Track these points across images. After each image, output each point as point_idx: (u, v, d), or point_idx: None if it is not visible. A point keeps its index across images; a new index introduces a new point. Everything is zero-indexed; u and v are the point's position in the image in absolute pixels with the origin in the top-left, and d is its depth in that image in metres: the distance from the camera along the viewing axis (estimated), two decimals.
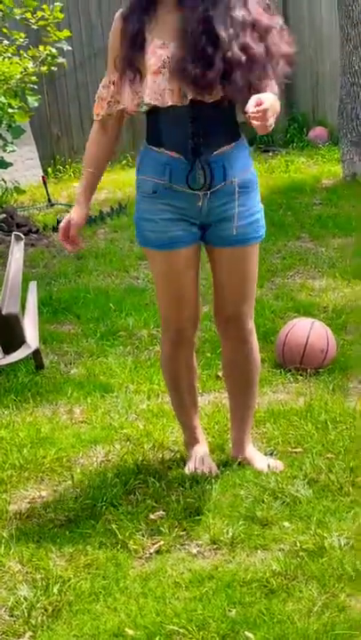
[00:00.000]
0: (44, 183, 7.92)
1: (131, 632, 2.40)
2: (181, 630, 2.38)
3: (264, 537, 2.84)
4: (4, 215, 6.93)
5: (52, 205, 7.84)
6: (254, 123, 2.66)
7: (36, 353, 4.49)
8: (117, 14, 3.01)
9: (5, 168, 7.17)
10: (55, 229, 7.14)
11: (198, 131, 2.94)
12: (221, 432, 3.59)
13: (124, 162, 9.73)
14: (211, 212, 3.02)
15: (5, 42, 7.17)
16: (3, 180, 7.42)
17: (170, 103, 2.89)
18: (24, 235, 6.75)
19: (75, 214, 3.14)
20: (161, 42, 2.89)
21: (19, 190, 7.47)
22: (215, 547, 2.83)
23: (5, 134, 7.20)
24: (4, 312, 4.48)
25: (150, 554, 2.81)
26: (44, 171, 9.13)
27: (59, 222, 7.03)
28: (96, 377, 4.37)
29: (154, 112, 2.96)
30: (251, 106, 2.65)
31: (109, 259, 6.54)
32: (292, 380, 4.24)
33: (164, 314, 3.25)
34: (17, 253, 4.75)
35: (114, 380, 4.33)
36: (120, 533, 2.89)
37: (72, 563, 2.77)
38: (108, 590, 2.62)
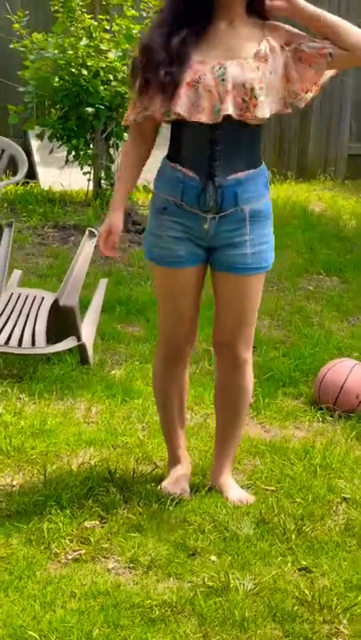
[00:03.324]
0: None
1: None
2: (39, 638, 2.41)
3: (183, 566, 2.82)
4: None
5: None
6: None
7: (82, 348, 4.58)
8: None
9: None
10: None
11: (216, 152, 2.94)
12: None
13: None
14: (217, 237, 3.02)
15: None
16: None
17: (201, 119, 2.90)
18: (137, 233, 6.93)
19: (114, 220, 3.12)
20: (202, 58, 2.90)
21: (147, 189, 7.61)
22: (131, 566, 2.83)
23: None
24: (61, 303, 4.61)
25: (68, 560, 2.85)
26: None
27: None
28: (131, 382, 4.42)
29: (178, 125, 2.97)
30: None
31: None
32: (320, 418, 4.16)
33: (162, 329, 3.27)
34: (87, 248, 4.88)
35: (146, 387, 4.37)
36: (48, 534, 2.93)
37: None
38: (5, 585, 2.67)
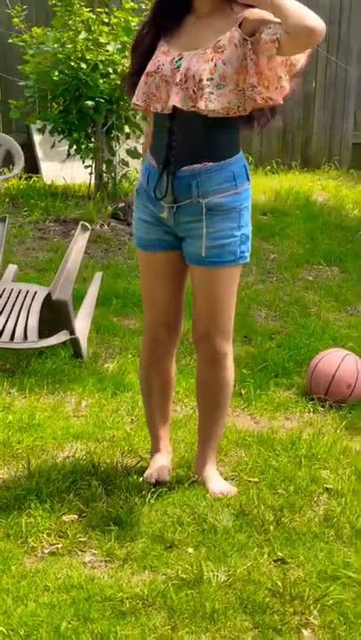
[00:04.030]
0: None
1: None
2: (7, 632, 2.42)
3: (159, 559, 2.82)
4: (123, 204, 7.08)
5: None
6: None
7: (75, 341, 4.59)
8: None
9: (137, 158, 7.33)
10: None
11: (172, 142, 2.96)
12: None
13: (268, 167, 9.65)
14: (178, 227, 3.05)
15: None
16: (135, 169, 7.58)
17: (157, 109, 2.94)
18: None
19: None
20: (167, 49, 2.93)
21: None
22: (107, 559, 2.84)
23: (143, 126, 7.36)
24: (54, 297, 4.62)
25: (44, 553, 2.86)
26: None
27: None
28: (123, 375, 4.43)
29: (151, 115, 3.07)
30: None
31: None
32: (311, 409, 4.15)
33: (145, 315, 3.35)
34: (80, 242, 4.89)
35: (137, 380, 4.36)
36: (26, 528, 2.94)
37: None
38: None
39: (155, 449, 3.41)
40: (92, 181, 7.63)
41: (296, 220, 7.30)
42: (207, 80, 2.82)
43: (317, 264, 6.53)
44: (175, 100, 2.85)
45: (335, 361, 4.28)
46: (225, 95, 2.86)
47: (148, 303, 3.28)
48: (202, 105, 2.84)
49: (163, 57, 2.91)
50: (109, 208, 7.14)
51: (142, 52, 3.03)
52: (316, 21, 2.65)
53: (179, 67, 2.86)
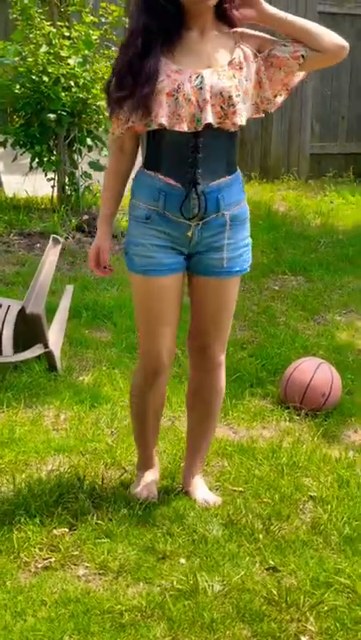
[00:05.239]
0: None
1: None
2: None
3: (153, 570, 2.84)
4: (87, 217, 7.10)
5: None
6: None
7: (49, 355, 4.60)
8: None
9: (100, 170, 7.36)
10: None
11: (198, 160, 2.94)
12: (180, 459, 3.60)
13: None
14: (200, 243, 3.04)
15: (114, 48, 7.35)
16: (98, 182, 7.61)
17: (182, 128, 2.89)
18: None
19: (102, 241, 3.12)
20: (178, 67, 2.90)
21: None
22: (101, 572, 2.85)
23: (105, 138, 7.39)
24: (27, 311, 4.62)
25: (38, 568, 2.87)
26: None
27: None
28: (99, 387, 4.45)
29: (158, 135, 2.95)
30: None
31: None
32: (287, 418, 4.21)
33: (144, 342, 3.17)
34: (52, 256, 4.89)
35: (114, 392, 4.40)
36: (17, 543, 2.95)
37: None
38: None
39: (145, 466, 3.41)
40: (55, 194, 7.63)
41: (259, 230, 7.37)
42: (236, 97, 2.89)
43: (283, 273, 6.61)
44: (209, 117, 2.88)
45: (310, 370, 4.34)
46: (247, 109, 2.97)
47: (155, 331, 3.10)
48: (237, 120, 2.90)
49: (178, 76, 2.88)
50: (73, 221, 7.15)
51: (142, 70, 2.88)
52: (343, 39, 2.95)
53: (200, 85, 2.87)
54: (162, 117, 2.87)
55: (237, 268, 3.11)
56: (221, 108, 2.89)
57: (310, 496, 3.37)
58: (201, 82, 2.87)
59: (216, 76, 2.88)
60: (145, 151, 3.05)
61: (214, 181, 2.97)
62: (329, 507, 3.26)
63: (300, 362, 4.45)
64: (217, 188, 2.98)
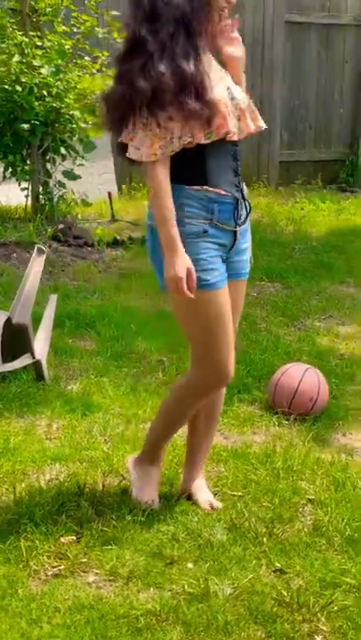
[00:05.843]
0: (110, 199, 8.09)
1: None
2: None
3: (162, 575, 2.88)
4: (63, 226, 7.12)
5: (115, 221, 8.00)
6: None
7: (37, 364, 4.62)
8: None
9: (74, 179, 7.38)
10: (110, 245, 7.28)
11: (238, 167, 3.07)
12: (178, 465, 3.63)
13: None
14: (235, 248, 3.12)
15: (87, 58, 7.39)
16: (72, 191, 7.63)
17: (233, 137, 2.99)
18: (79, 247, 6.97)
19: (188, 261, 2.92)
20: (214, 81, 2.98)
21: (85, 203, 7.66)
22: (111, 578, 2.88)
23: (79, 148, 7.42)
24: (14, 321, 4.63)
25: (48, 576, 2.89)
26: (119, 187, 9.31)
27: (115, 239, 7.21)
28: (88, 396, 4.47)
29: (201, 147, 2.93)
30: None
31: (153, 279, 6.60)
32: (276, 423, 4.26)
33: (215, 359, 3.09)
34: (36, 267, 4.90)
35: (104, 400, 4.43)
36: (26, 552, 2.97)
37: None
38: None
39: (151, 461, 3.39)
40: (29, 203, 7.64)
41: None
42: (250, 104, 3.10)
43: (259, 280, 6.68)
44: (251, 126, 3.07)
45: (297, 375, 4.40)
46: None
47: (225, 344, 3.06)
48: (261, 125, 3.12)
49: (218, 89, 2.97)
50: (50, 230, 7.17)
51: (202, 80, 2.88)
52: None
53: (232, 95, 3.02)
54: (228, 128, 2.96)
55: (248, 269, 3.26)
56: (250, 115, 3.08)
57: (308, 499, 3.43)
58: (230, 92, 3.02)
59: (235, 88, 3.05)
60: (178, 167, 2.93)
61: (244, 186, 3.12)
62: (328, 509, 3.32)
63: (288, 367, 4.51)
64: (246, 193, 3.12)
